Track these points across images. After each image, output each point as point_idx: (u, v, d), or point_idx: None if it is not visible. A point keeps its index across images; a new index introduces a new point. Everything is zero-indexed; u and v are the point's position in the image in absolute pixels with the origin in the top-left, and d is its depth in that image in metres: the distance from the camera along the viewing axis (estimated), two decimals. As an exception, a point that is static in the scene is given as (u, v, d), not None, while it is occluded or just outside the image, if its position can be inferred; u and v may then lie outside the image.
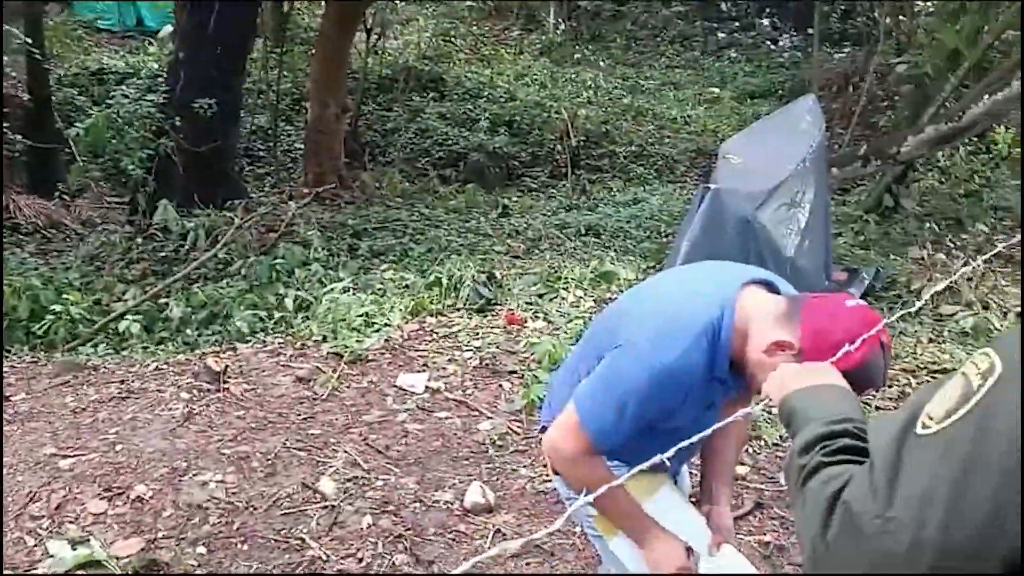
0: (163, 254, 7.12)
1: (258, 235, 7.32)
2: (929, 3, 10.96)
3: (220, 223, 7.34)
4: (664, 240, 7.51)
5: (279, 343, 5.07)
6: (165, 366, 4.74)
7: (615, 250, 7.26)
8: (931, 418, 0.92)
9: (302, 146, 9.74)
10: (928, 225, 7.43)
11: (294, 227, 7.46)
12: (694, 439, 1.38)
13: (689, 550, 1.91)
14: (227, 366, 4.54)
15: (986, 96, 6.04)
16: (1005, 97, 5.84)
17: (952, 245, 6.92)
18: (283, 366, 4.71)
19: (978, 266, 5.50)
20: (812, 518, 0.97)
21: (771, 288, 1.78)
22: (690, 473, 2.46)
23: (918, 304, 2.01)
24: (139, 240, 7.26)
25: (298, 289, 6.04)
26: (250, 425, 4.08)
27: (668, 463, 1.90)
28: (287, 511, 3.49)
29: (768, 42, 15.60)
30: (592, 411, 1.75)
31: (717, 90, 13.51)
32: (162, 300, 6.11)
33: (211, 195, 7.89)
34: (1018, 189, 8.67)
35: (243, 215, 7.42)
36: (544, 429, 2.01)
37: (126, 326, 5.45)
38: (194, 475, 3.64)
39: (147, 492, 3.50)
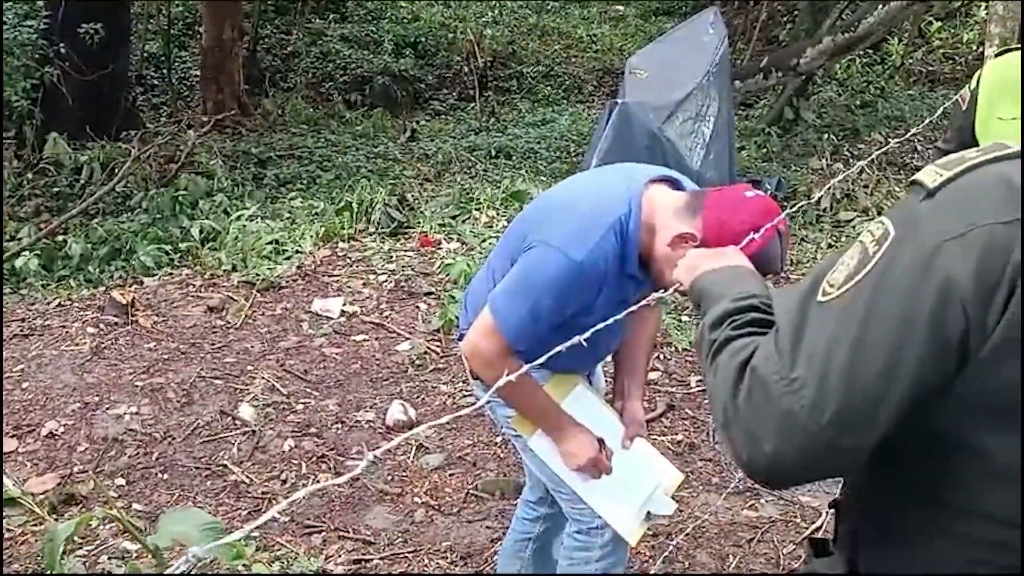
0: (57, 189, 6.78)
1: (158, 167, 7.03)
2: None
3: (116, 155, 7.02)
4: (574, 160, 7.55)
5: (187, 274, 4.95)
6: (68, 302, 4.60)
7: (526, 171, 7.27)
8: (831, 285, 0.98)
9: (198, 73, 9.32)
10: (827, 136, 7.65)
11: (195, 157, 7.19)
12: (609, 321, 1.42)
13: (601, 442, 1.99)
14: (134, 299, 4.43)
15: (880, 6, 6.19)
16: (897, 7, 6.00)
17: (849, 155, 7.16)
18: (193, 297, 4.62)
19: (867, 168, 5.72)
20: (723, 386, 1.03)
21: (675, 185, 1.83)
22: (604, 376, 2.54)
23: (816, 196, 2.09)
24: (29, 175, 6.89)
25: (203, 220, 5.87)
26: (163, 356, 4.01)
27: (584, 361, 1.96)
28: (207, 439, 3.48)
29: (671, -42, 15.54)
30: (508, 311, 1.79)
31: (622, 8, 13.45)
32: (60, 237, 5.86)
33: (104, 126, 7.51)
34: (911, 99, 8.99)
35: (140, 146, 7.10)
36: (463, 337, 2.04)
37: (23, 263, 5.22)
38: (107, 409, 3.58)
39: (59, 428, 3.43)
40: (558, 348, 1.27)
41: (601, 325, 1.37)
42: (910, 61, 9.99)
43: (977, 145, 2.37)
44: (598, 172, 2.07)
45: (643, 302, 1.51)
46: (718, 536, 3.00)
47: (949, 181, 0.95)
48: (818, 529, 2.97)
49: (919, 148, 7.06)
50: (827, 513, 2.98)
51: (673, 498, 2.17)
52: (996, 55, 2.49)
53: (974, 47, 9.89)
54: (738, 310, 1.13)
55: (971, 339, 0.90)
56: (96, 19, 7.20)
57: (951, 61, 10.10)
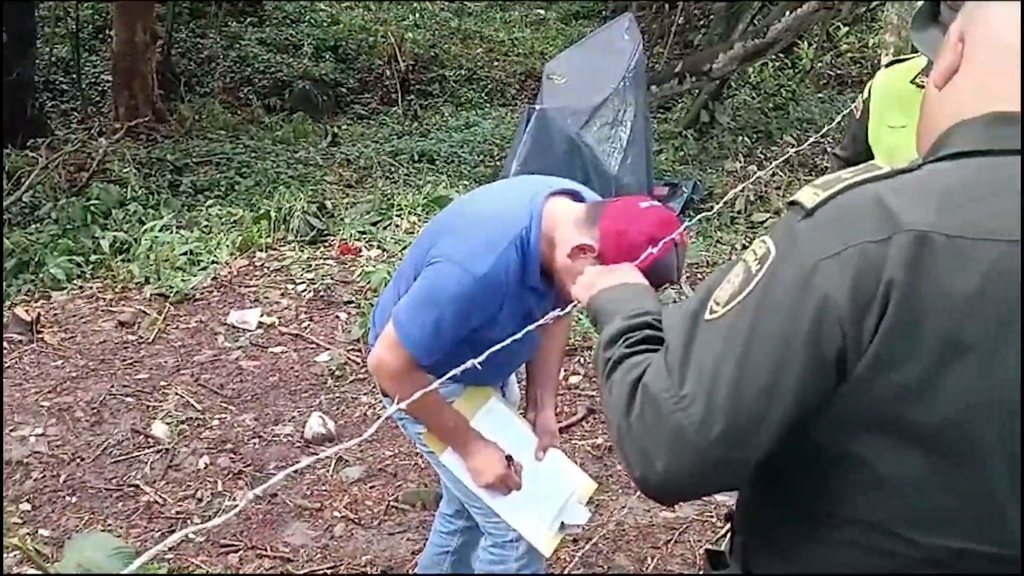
0: (-41, 200, 6.52)
1: (67, 175, 6.82)
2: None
3: (22, 164, 6.79)
4: (498, 164, 7.56)
5: (97, 288, 4.80)
6: (-32, 320, 4.41)
7: (449, 175, 7.26)
8: (717, 303, 1.00)
9: (109, 78, 9.06)
10: (741, 139, 7.84)
11: (107, 165, 6.99)
12: (507, 342, 1.43)
13: (509, 459, 2.00)
14: (40, 315, 4.28)
15: (788, 12, 6.36)
16: (804, 12, 6.18)
17: (763, 157, 7.35)
18: (103, 311, 4.49)
19: (780, 170, 5.87)
20: (617, 404, 1.04)
21: (576, 197, 1.85)
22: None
23: (720, 204, 2.14)
24: (-72, 186, 6.61)
25: (116, 231, 5.70)
26: (70, 375, 3.88)
27: (496, 374, 1.96)
28: (118, 459, 3.38)
29: (591, -38, 15.69)
30: (411, 326, 1.78)
31: (543, 11, 13.54)
32: (-39, 250, 5.62)
33: (10, 134, 7.25)
34: (821, 102, 9.27)
35: (48, 154, 6.87)
36: (372, 352, 2.02)
37: (-80, 280, 4.99)
38: (11, 431, 3.45)
39: (-42, 453, 3.29)
40: (453, 372, 1.27)
41: (500, 346, 1.38)
42: (819, 65, 10.30)
43: (871, 153, 2.42)
44: (504, 185, 2.09)
45: (542, 320, 1.53)
46: (637, 538, 3.04)
47: (826, 201, 0.97)
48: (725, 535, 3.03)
49: (828, 150, 7.28)
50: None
51: (590, 502, 2.20)
52: (886, 65, 2.58)
53: (880, 51, 10.24)
54: (631, 327, 1.15)
55: (848, 356, 0.92)
56: (-2, 23, 6.94)
57: (858, 65, 10.44)
